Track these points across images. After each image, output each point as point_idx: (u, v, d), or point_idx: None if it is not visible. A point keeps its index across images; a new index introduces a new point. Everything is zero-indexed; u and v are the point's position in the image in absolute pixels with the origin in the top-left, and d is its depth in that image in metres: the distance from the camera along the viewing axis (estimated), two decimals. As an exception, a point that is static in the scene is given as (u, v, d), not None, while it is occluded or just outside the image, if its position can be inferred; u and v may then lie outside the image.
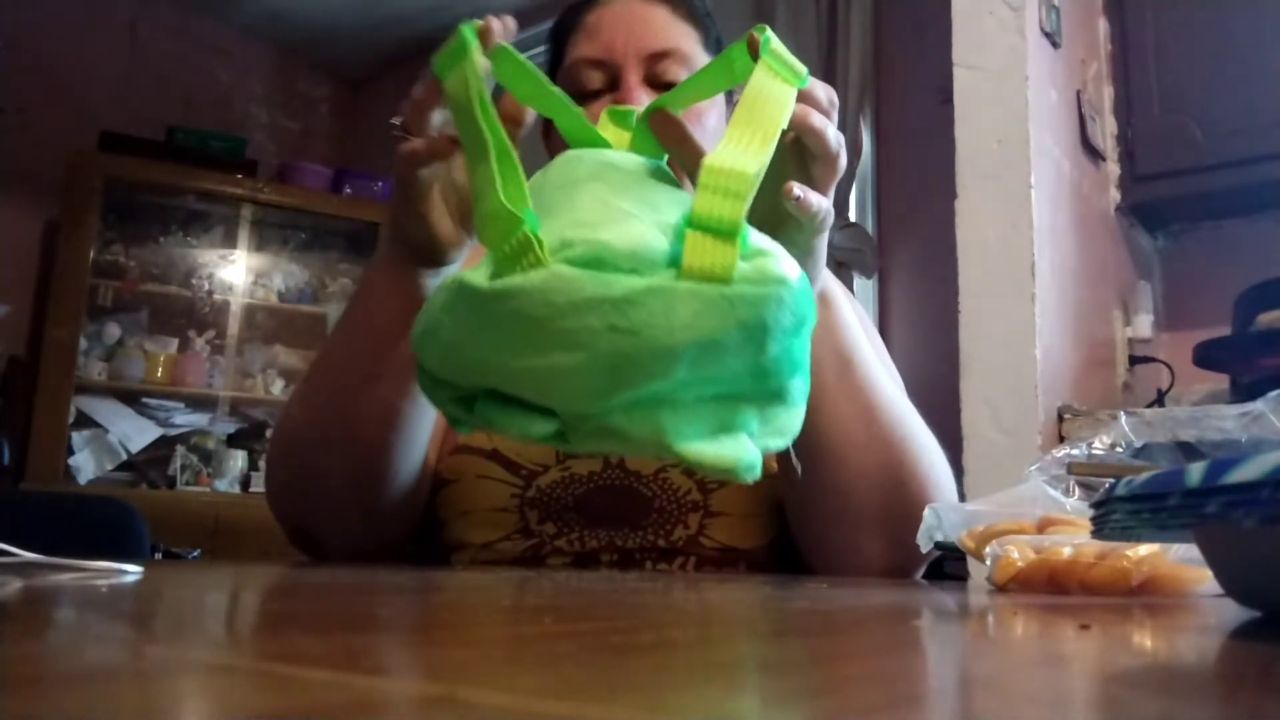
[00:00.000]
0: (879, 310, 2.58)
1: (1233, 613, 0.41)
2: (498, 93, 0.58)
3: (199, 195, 3.24)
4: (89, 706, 0.16)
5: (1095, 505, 0.42)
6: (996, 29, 1.71)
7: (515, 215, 0.45)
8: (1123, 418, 0.72)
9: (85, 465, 2.95)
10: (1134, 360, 2.05)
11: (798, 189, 0.52)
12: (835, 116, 0.55)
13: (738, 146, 0.48)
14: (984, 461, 1.58)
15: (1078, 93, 1.93)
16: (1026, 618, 0.40)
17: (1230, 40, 1.92)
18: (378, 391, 0.66)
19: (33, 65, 3.17)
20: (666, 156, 0.61)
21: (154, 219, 3.29)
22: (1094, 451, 0.70)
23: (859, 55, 2.54)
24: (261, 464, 3.21)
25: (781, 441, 0.51)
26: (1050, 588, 0.54)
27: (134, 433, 3.04)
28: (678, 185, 0.53)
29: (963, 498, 0.75)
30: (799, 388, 0.50)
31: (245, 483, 3.17)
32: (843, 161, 0.55)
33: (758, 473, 0.48)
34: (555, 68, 0.83)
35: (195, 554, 2.63)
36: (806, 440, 0.58)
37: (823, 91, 0.54)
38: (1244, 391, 1.78)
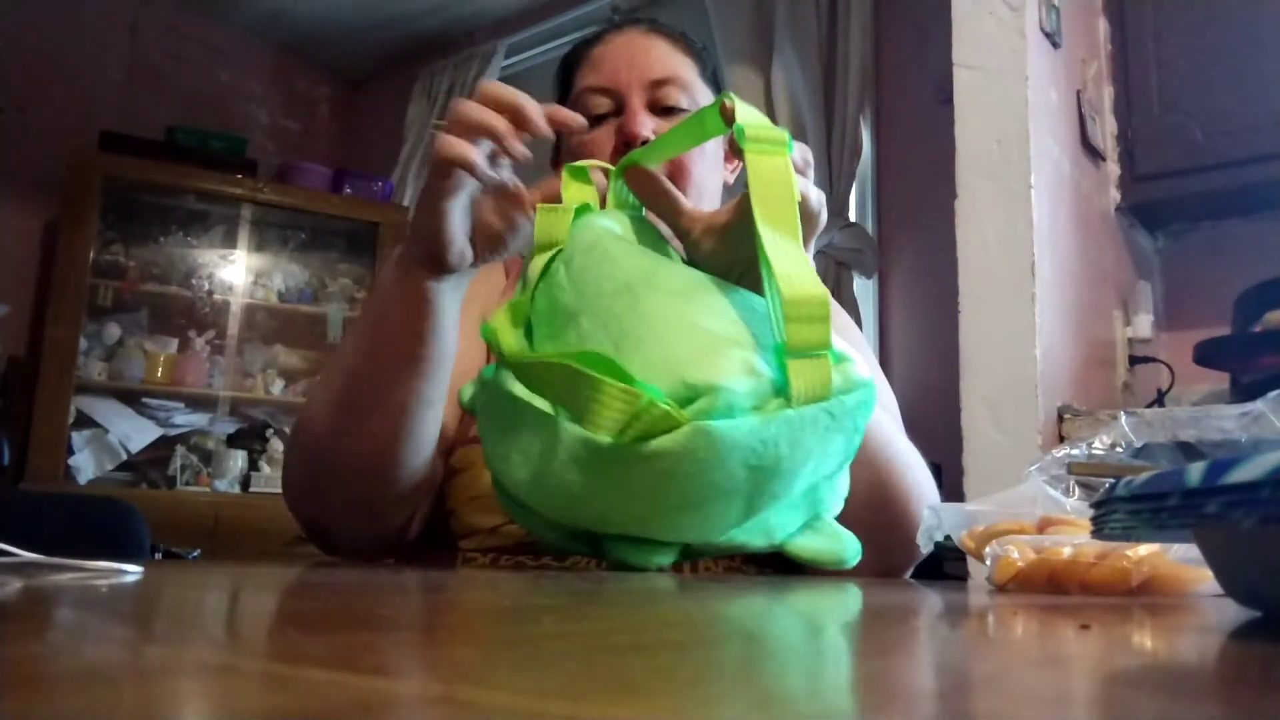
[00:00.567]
0: (879, 310, 2.58)
1: (1233, 613, 0.41)
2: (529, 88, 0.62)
3: (199, 195, 3.24)
4: (89, 706, 0.16)
5: (1095, 505, 0.42)
6: (996, 29, 1.71)
7: (633, 392, 0.49)
8: (1123, 418, 0.72)
9: (85, 465, 2.95)
10: (1134, 360, 2.05)
11: None
12: (812, 174, 0.62)
13: (786, 259, 0.52)
14: (984, 461, 1.58)
15: (1078, 93, 1.93)
16: (1026, 618, 0.40)
17: (1230, 40, 1.92)
18: (386, 389, 0.68)
19: (33, 65, 3.17)
20: (644, 209, 0.67)
21: (154, 219, 3.29)
22: (1094, 451, 0.70)
23: (859, 55, 2.54)
24: (261, 464, 3.22)
25: (842, 504, 0.60)
26: (1050, 588, 0.54)
27: (134, 433, 3.04)
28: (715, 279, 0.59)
29: (963, 498, 0.75)
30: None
31: (245, 483, 3.17)
32: (823, 219, 0.63)
33: (858, 558, 0.58)
34: (563, 99, 0.90)
35: (195, 554, 2.63)
36: None
37: (799, 154, 0.60)
38: (1244, 391, 1.78)
